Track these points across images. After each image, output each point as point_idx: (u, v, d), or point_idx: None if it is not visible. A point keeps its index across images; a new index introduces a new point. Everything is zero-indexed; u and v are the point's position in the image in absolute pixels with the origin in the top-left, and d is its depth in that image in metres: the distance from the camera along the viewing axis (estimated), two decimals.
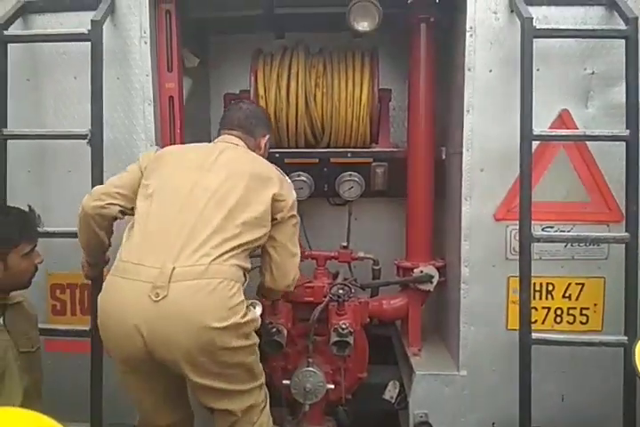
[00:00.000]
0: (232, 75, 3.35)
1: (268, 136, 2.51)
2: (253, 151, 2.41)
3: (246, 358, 2.08)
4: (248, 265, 2.13)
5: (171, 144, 2.64)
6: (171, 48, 2.62)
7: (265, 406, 2.21)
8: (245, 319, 2.02)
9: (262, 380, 2.20)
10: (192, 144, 2.44)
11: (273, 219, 2.21)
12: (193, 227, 2.02)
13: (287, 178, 2.41)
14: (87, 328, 2.36)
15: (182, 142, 2.67)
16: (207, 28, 3.29)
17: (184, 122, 2.72)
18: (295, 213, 2.30)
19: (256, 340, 2.14)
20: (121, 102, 2.56)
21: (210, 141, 3.36)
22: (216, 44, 3.46)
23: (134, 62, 2.54)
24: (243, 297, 2.05)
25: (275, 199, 2.20)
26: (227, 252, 2.01)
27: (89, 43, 2.38)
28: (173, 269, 1.92)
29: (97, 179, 2.35)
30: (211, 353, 1.94)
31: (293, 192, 2.34)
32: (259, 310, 2.18)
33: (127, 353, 1.97)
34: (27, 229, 2.08)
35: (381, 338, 3.18)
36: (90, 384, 2.35)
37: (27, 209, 2.15)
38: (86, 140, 2.35)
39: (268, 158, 2.45)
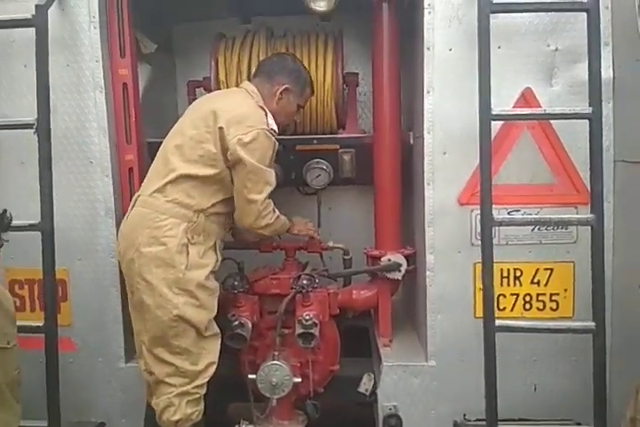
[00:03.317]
0: (199, 61, 3.26)
1: (286, 86, 2.46)
2: (268, 100, 2.43)
3: (153, 300, 2.22)
4: (197, 202, 2.28)
5: (125, 133, 2.57)
6: (123, 33, 2.54)
7: (174, 393, 2.25)
8: (178, 260, 2.20)
9: (182, 365, 2.25)
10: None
11: (227, 159, 2.27)
12: (160, 165, 2.37)
13: (267, 119, 2.34)
14: (40, 324, 2.29)
15: (138, 130, 2.60)
16: (169, 14, 3.19)
17: (140, 110, 2.64)
18: (246, 156, 2.24)
19: (180, 301, 2.21)
20: (72, 90, 2.50)
21: None
22: (181, 31, 3.38)
23: (84, 48, 2.47)
24: (177, 233, 2.23)
25: (221, 137, 2.25)
26: (166, 184, 2.28)
27: (34, 29, 2.30)
28: (138, 196, 2.37)
29: (45, 168, 2.28)
30: (131, 273, 2.28)
31: (253, 133, 2.26)
32: None
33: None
34: None
35: (359, 330, 3.12)
36: (46, 381, 2.29)
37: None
38: (33, 130, 2.27)
39: None
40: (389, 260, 2.67)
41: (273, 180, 2.35)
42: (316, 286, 2.59)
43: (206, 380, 2.30)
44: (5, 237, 1.94)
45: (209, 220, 2.32)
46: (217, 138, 2.26)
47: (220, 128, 2.26)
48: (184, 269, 2.21)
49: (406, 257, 2.70)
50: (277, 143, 2.38)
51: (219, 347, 2.35)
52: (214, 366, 2.31)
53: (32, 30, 2.31)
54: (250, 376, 2.55)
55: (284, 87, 2.45)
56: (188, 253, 2.23)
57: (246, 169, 2.25)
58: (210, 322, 2.32)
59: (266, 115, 2.36)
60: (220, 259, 2.40)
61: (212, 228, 2.34)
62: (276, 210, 2.44)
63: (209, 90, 2.96)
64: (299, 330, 2.50)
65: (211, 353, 2.30)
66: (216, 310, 2.35)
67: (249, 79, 2.82)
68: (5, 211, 1.94)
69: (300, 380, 2.55)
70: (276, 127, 2.37)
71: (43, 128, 2.28)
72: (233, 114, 2.30)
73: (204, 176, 2.28)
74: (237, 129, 2.25)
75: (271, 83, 2.46)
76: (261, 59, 2.81)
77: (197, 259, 2.26)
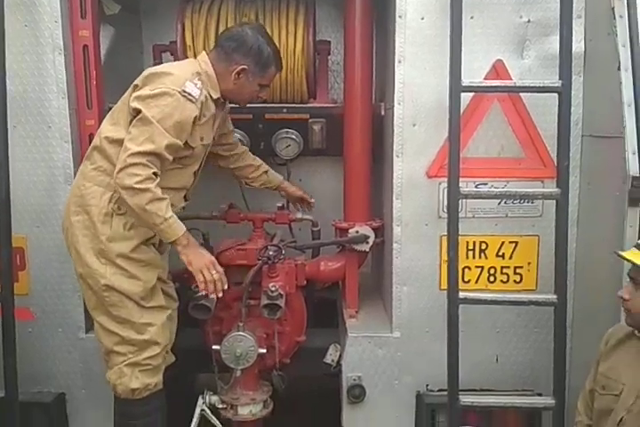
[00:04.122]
0: (166, 25, 3.13)
1: (243, 67, 2.23)
2: (222, 77, 2.24)
3: (83, 270, 2.19)
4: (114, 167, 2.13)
5: (86, 97, 2.48)
6: None
7: (124, 363, 2.22)
8: (100, 230, 2.14)
9: (127, 334, 2.20)
10: None
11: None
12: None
13: (192, 82, 2.13)
14: None
15: (99, 95, 2.51)
16: None
17: (103, 73, 2.55)
18: (140, 107, 2.06)
19: (108, 272, 2.16)
20: (29, 52, 2.39)
21: None
22: None
23: (42, 8, 2.36)
24: (99, 202, 2.15)
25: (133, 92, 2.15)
26: (93, 150, 2.21)
27: None
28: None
29: (1, 131, 2.19)
30: (67, 243, 2.26)
31: (159, 90, 2.07)
32: None
33: None
34: None
35: (328, 301, 3.12)
36: (2, 351, 2.25)
37: None
38: None
39: None
40: (357, 232, 2.66)
41: (160, 142, 2.04)
42: (282, 257, 2.56)
43: (157, 352, 2.24)
44: None
45: None
46: (129, 94, 2.16)
47: (135, 86, 2.16)
48: (105, 240, 2.15)
49: (374, 229, 2.68)
50: (198, 112, 2.14)
51: (163, 319, 2.28)
52: (162, 339, 2.26)
53: None
54: (214, 347, 2.54)
55: (240, 68, 2.23)
56: (111, 224, 2.15)
57: (137, 117, 2.07)
58: (147, 293, 2.23)
59: (192, 80, 2.13)
60: None
61: None
62: (163, 195, 2.08)
63: (175, 54, 2.87)
64: (264, 301, 2.48)
65: (155, 326, 2.23)
66: (154, 281, 2.25)
67: (216, 44, 2.74)
68: None
69: (264, 351, 2.54)
70: (195, 93, 2.12)
71: None
72: (153, 71, 2.17)
73: (120, 139, 2.11)
74: (149, 86, 2.11)
75: (227, 61, 2.24)
76: (229, 24, 2.73)
77: (121, 231, 2.17)
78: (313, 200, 2.85)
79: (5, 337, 2.25)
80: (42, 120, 2.44)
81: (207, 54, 2.31)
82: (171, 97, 2.07)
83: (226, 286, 2.22)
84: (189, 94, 2.11)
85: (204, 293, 2.22)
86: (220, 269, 2.21)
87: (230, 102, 2.46)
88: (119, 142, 2.12)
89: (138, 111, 2.07)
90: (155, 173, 2.07)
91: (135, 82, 2.18)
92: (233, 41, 2.26)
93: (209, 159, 2.54)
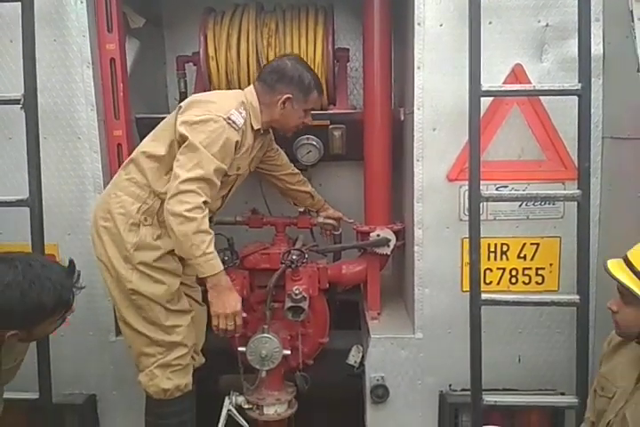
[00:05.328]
0: (189, 36, 3.21)
1: (287, 96, 2.30)
2: (267, 108, 2.31)
3: (112, 273, 2.25)
4: (152, 185, 2.22)
5: (113, 108, 2.55)
6: (110, 7, 2.49)
7: (155, 364, 2.28)
8: (126, 238, 2.19)
9: (155, 335, 2.25)
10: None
11: (179, 143, 2.19)
12: None
13: (237, 110, 2.19)
14: None
15: (126, 105, 2.58)
16: None
17: (129, 85, 2.62)
18: (187, 133, 2.11)
19: (134, 277, 2.20)
20: (59, 65, 2.47)
21: (167, 104, 3.17)
22: (170, 5, 3.32)
23: (70, 23, 2.44)
24: (127, 211, 2.21)
25: (177, 117, 2.20)
26: (130, 162, 2.28)
27: (19, 3, 2.26)
28: None
29: (32, 144, 2.27)
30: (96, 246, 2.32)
31: (205, 116, 2.13)
32: None
33: None
34: (61, 298, 1.78)
35: (350, 303, 3.17)
36: (37, 354, 2.32)
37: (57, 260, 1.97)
38: (20, 105, 2.26)
39: None
40: (378, 235, 2.70)
41: (209, 168, 2.10)
42: (305, 260, 2.61)
43: (184, 352, 2.30)
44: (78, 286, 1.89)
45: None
46: (174, 118, 2.22)
47: (180, 107, 2.23)
48: (130, 248, 2.20)
49: (395, 232, 2.73)
50: (239, 140, 2.21)
51: (188, 321, 2.33)
52: (188, 340, 2.32)
53: (18, 5, 2.27)
54: (240, 349, 2.59)
55: (285, 97, 2.30)
56: (138, 233, 2.21)
57: (184, 144, 2.13)
58: (173, 296, 2.28)
59: (237, 109, 2.20)
60: None
61: None
62: (209, 229, 2.13)
63: (198, 65, 2.94)
64: (288, 304, 2.53)
65: (181, 327, 2.29)
66: (177, 286, 2.30)
67: (238, 55, 2.81)
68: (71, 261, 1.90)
69: (289, 352, 2.59)
70: (239, 122, 2.19)
71: (30, 104, 2.26)
72: (198, 98, 2.26)
73: (157, 156, 2.22)
74: (193, 111, 2.17)
75: (272, 92, 2.31)
76: (250, 34, 2.80)
77: (149, 240, 2.22)
78: (352, 220, 2.89)
79: (39, 341, 2.31)
80: (71, 131, 2.52)
81: (254, 88, 2.35)
82: (216, 123, 2.13)
83: (237, 335, 2.32)
84: (234, 122, 2.17)
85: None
86: (240, 320, 2.22)
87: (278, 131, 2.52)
88: (155, 158, 2.21)
89: (184, 138, 2.13)
90: (205, 202, 2.10)
91: (180, 104, 2.25)
92: (275, 73, 2.32)
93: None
